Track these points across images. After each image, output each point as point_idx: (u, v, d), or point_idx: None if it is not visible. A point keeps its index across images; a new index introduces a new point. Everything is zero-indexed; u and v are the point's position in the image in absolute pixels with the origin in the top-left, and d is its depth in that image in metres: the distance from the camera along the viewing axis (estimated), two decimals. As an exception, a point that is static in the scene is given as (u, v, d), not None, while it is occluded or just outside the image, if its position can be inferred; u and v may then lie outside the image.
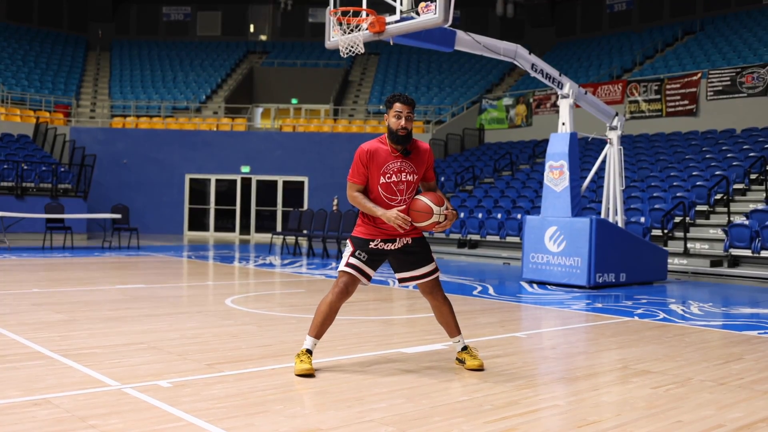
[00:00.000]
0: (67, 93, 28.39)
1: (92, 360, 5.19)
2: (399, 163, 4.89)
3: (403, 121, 4.85)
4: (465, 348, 5.23)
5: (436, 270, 5.08)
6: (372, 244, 4.96)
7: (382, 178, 4.87)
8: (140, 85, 29.90)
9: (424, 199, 4.85)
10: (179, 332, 6.46)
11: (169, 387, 4.48)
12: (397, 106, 4.89)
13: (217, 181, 25.90)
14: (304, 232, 17.62)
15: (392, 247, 4.99)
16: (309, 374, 4.83)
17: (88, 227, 21.60)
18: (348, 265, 4.95)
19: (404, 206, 4.90)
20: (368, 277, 5.00)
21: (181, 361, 5.24)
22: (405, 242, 5.00)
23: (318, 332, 5.02)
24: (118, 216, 18.06)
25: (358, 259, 4.95)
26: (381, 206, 4.88)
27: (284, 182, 25.77)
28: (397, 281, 5.26)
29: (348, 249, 5.02)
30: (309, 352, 4.96)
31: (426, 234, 5.25)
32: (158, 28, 34.84)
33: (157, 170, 25.47)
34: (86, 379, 4.63)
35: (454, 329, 5.22)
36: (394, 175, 4.87)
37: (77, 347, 5.64)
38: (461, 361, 5.22)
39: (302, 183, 25.67)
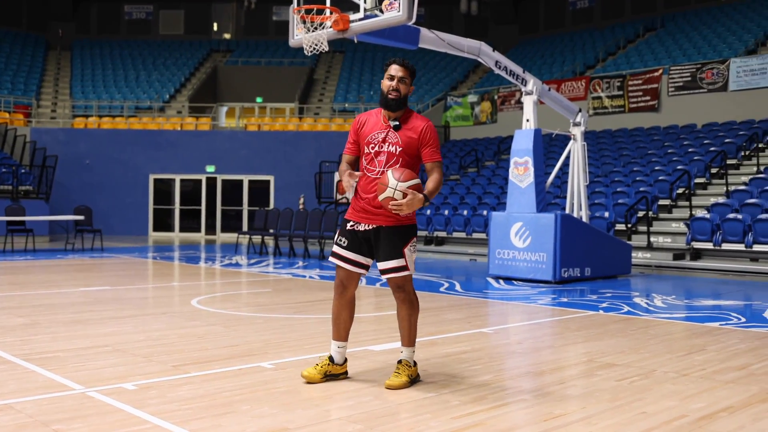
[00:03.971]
0: (27, 93, 27.92)
1: (55, 364, 5.12)
2: (385, 134, 4.58)
3: (394, 83, 4.55)
4: (400, 361, 4.71)
5: (401, 269, 4.55)
6: (348, 225, 4.66)
7: (366, 147, 4.62)
8: (102, 85, 29.51)
9: (390, 172, 4.37)
10: (144, 334, 6.39)
11: (134, 389, 4.43)
12: (392, 68, 4.61)
13: (182, 181, 25.67)
14: (271, 231, 17.53)
15: (362, 229, 4.60)
16: (308, 381, 4.64)
17: (50, 229, 21.30)
18: (331, 254, 4.71)
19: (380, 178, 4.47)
20: (355, 264, 4.60)
21: (146, 363, 5.18)
22: (375, 227, 4.58)
23: (335, 334, 4.74)
24: (81, 217, 17.82)
25: (339, 245, 4.66)
26: (363, 178, 4.60)
27: (250, 181, 25.61)
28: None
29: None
30: (330, 359, 4.72)
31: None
32: (120, 27, 34.41)
33: (120, 171, 25.16)
34: (49, 384, 4.56)
35: (401, 337, 4.72)
36: (377, 146, 4.57)
37: (40, 351, 5.56)
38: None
39: (268, 182, 25.54)
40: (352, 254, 4.62)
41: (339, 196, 22.30)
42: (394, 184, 4.30)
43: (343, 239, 4.64)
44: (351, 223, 4.64)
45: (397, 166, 4.50)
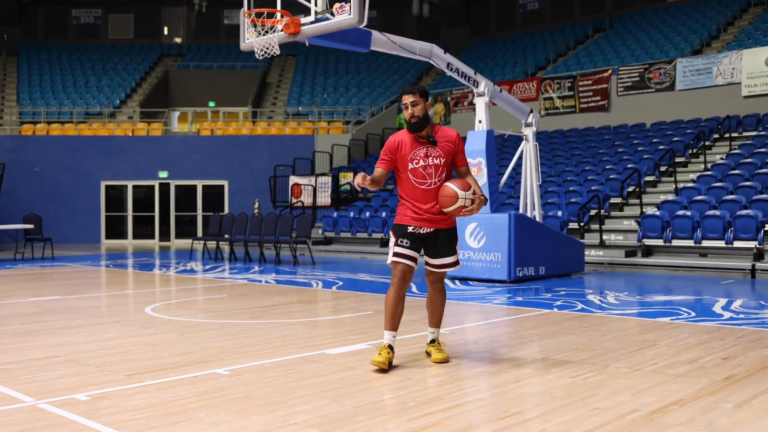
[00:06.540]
0: (-29, 100, 27.31)
1: (4, 376, 5.00)
2: (425, 149, 5.21)
3: (410, 110, 5.17)
4: (433, 341, 5.54)
5: (454, 264, 5.37)
6: (409, 229, 5.25)
7: (410, 164, 5.21)
8: (50, 91, 28.97)
9: (451, 185, 5.11)
10: (97, 343, 6.29)
11: (87, 400, 4.36)
12: (404, 98, 5.22)
13: (135, 187, 25.32)
14: (225, 236, 17.39)
15: (424, 232, 5.25)
16: (381, 368, 5.06)
17: (-1, 239, 20.82)
18: (396, 254, 5.24)
19: (435, 188, 5.18)
20: (414, 260, 5.26)
21: (99, 373, 5.10)
22: (435, 230, 5.26)
23: (391, 325, 5.22)
24: (31, 226, 17.46)
25: (403, 246, 5.23)
26: (414, 190, 5.22)
27: (204, 186, 25.38)
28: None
29: (391, 240, 5.32)
30: (390, 347, 5.19)
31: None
32: (67, 32, 33.82)
33: (71, 178, 24.71)
34: (-2, 397, 4.47)
35: (433, 321, 5.54)
36: (421, 160, 5.19)
37: (-12, 364, 5.43)
38: (428, 354, 5.55)
39: (222, 187, 25.34)
40: (412, 252, 5.27)
41: (294, 200, 22.21)
42: (463, 194, 5.07)
43: (406, 241, 5.26)
44: (411, 227, 5.26)
45: (444, 176, 5.21)
